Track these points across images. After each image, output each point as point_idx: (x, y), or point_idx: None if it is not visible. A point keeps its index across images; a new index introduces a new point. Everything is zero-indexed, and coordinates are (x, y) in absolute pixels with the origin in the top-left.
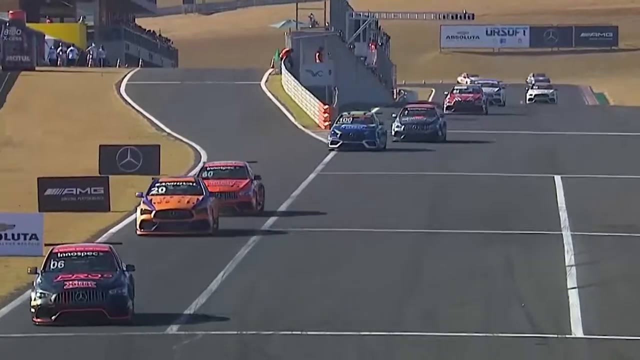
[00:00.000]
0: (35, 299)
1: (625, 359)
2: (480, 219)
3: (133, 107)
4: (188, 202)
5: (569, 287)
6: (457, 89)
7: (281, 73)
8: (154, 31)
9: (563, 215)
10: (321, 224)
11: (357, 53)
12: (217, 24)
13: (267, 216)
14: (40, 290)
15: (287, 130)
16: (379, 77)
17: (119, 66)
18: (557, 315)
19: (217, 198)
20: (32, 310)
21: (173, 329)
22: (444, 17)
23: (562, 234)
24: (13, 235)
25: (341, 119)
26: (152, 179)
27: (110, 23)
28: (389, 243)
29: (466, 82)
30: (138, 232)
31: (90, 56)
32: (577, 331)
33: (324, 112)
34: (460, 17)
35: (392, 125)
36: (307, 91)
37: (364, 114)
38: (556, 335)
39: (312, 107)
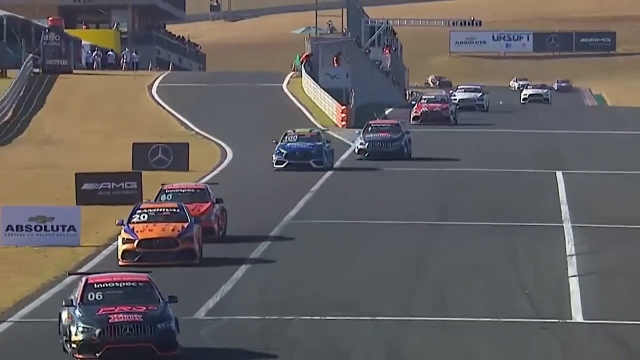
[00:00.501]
0: (76, 334)
1: (623, 342)
2: (486, 212)
3: (164, 108)
4: (173, 230)
5: (569, 275)
6: (424, 99)
7: (301, 76)
8: (183, 37)
9: (564, 208)
10: (341, 216)
11: (373, 57)
12: (241, 30)
13: (291, 207)
14: (83, 325)
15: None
16: (393, 79)
17: (150, 69)
18: (559, 301)
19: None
20: (74, 346)
21: None
22: (453, 23)
23: (563, 226)
24: (52, 227)
25: (286, 137)
26: (134, 204)
27: (143, 29)
28: (401, 234)
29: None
30: (120, 263)
31: (124, 60)
32: (578, 316)
33: (342, 112)
34: (469, 23)
35: (355, 142)
36: (325, 93)
37: (310, 131)
38: (558, 320)
39: (331, 108)
